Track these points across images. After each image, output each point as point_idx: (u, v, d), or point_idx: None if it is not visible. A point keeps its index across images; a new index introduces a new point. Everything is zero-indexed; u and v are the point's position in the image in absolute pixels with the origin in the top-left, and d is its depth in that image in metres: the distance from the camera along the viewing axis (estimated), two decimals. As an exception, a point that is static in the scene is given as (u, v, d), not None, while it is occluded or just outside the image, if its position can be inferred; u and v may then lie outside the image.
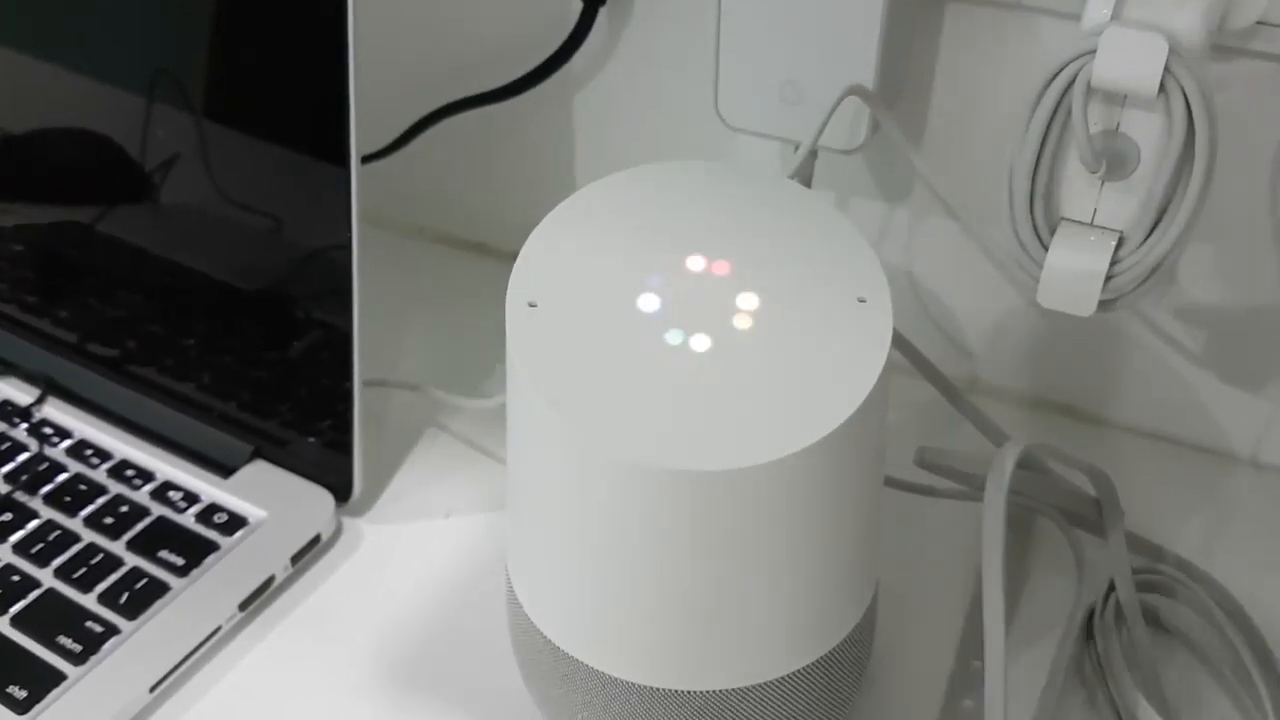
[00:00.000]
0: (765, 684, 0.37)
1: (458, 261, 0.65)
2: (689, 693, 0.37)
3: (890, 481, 0.47)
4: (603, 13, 0.55)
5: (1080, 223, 0.40)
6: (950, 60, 0.50)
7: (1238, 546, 0.50)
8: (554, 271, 0.37)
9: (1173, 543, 0.49)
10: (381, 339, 0.59)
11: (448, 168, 0.64)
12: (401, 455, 0.53)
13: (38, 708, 0.42)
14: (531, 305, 0.36)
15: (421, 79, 0.60)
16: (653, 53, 0.56)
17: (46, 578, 0.46)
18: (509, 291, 0.36)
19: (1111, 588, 0.45)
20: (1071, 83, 0.38)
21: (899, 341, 0.46)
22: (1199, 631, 0.45)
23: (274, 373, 0.52)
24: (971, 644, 0.46)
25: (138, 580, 0.46)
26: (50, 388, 0.54)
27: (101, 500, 0.49)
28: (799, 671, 0.38)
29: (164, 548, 0.47)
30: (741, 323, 0.36)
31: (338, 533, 0.50)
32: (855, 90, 0.43)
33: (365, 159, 0.59)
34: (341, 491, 0.50)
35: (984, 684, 0.39)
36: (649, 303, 0.36)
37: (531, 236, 0.38)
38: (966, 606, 0.47)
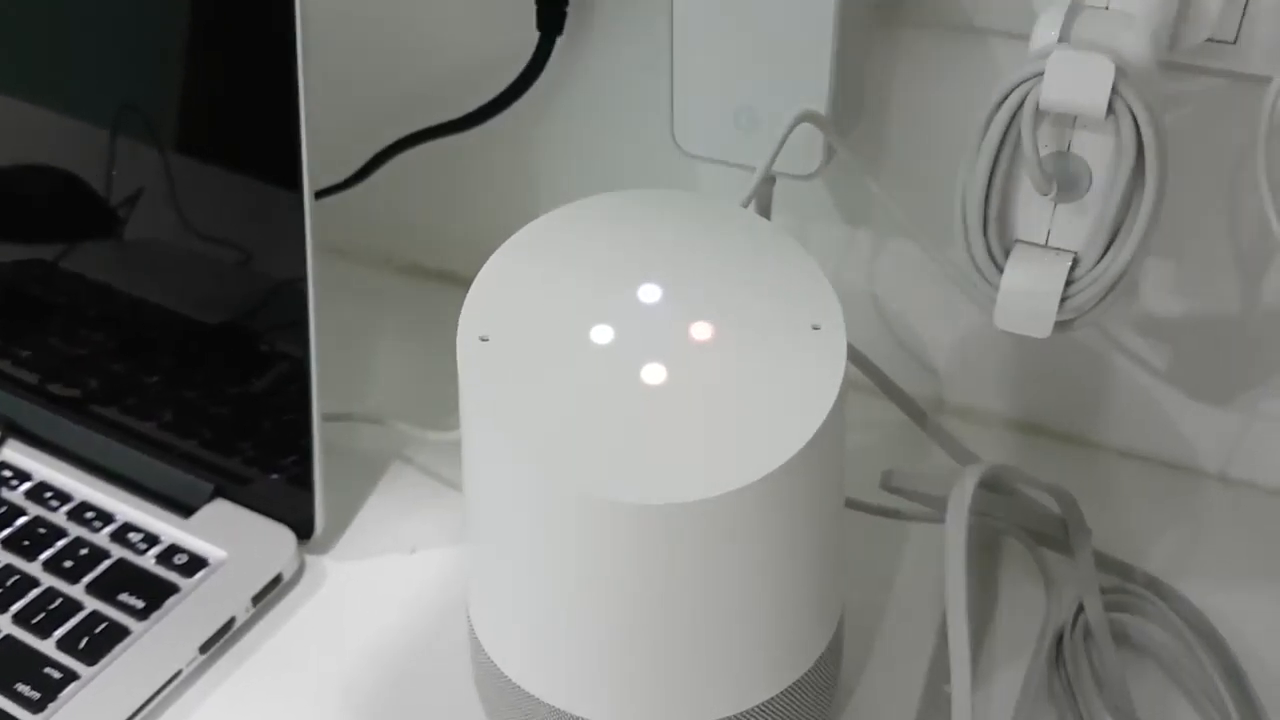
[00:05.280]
0: (730, 717, 0.37)
1: (423, 291, 0.65)
2: (651, 728, 0.36)
3: (856, 505, 0.47)
4: (560, 42, 0.55)
5: (1034, 244, 0.40)
6: (906, 83, 0.50)
7: (1207, 563, 0.49)
8: (506, 304, 0.37)
9: (1142, 561, 0.49)
10: (346, 372, 0.58)
11: (411, 198, 0.64)
12: (366, 490, 0.53)
13: (-5, 757, 0.42)
14: (483, 339, 0.36)
15: (383, 110, 0.60)
16: (610, 82, 0.56)
17: (5, 624, 0.46)
18: (460, 325, 0.36)
19: (1080, 607, 0.45)
20: (1021, 105, 0.38)
21: (864, 363, 0.46)
22: (1169, 650, 0.45)
23: (235, 409, 0.51)
24: (941, 668, 0.45)
25: (97, 624, 0.46)
26: (10, 429, 0.54)
27: (61, 543, 0.49)
28: (765, 703, 0.38)
29: (124, 590, 0.47)
30: (696, 353, 0.35)
31: (300, 571, 0.49)
32: (808, 116, 0.43)
33: (328, 190, 0.59)
34: (303, 529, 0.49)
35: (952, 709, 0.39)
36: (602, 334, 0.36)
37: (483, 270, 0.38)
38: (935, 630, 0.47)
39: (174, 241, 0.50)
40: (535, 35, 0.54)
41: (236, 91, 0.47)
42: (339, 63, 0.59)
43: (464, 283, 0.37)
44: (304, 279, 0.46)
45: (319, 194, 0.45)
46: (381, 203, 0.62)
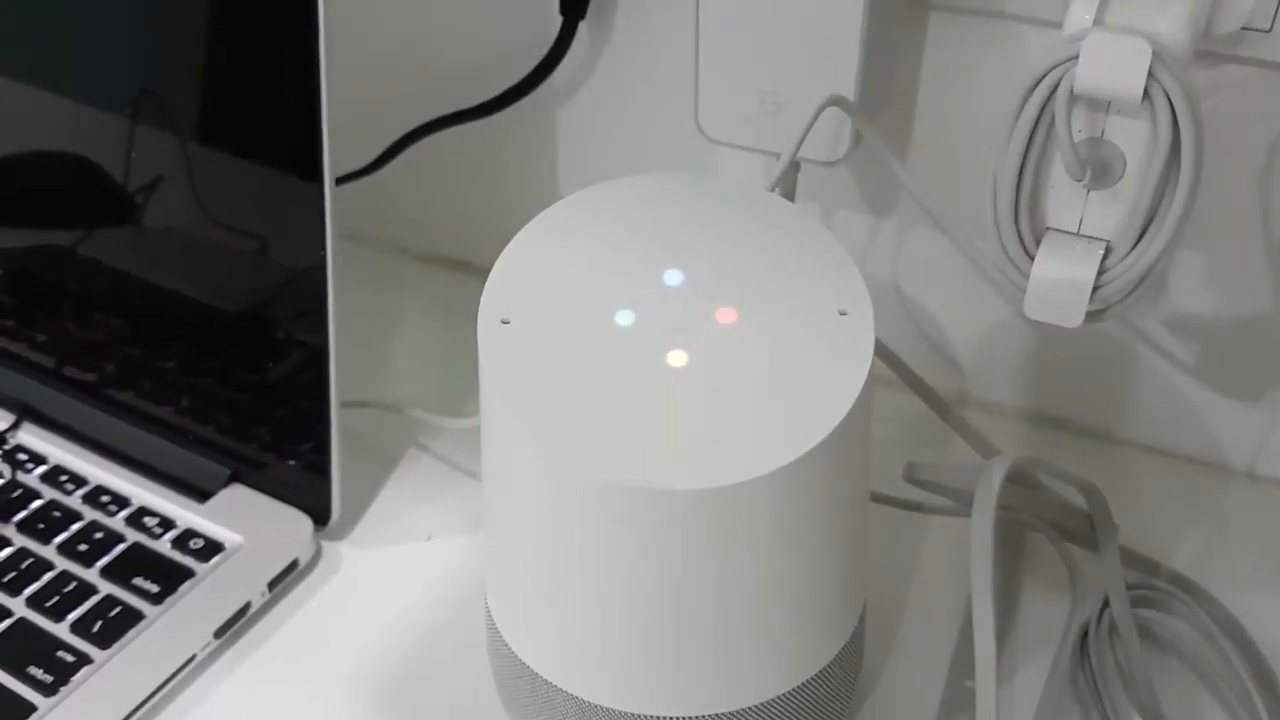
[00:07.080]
0: (750, 708, 0.37)
1: (441, 280, 0.65)
2: (671, 718, 0.36)
3: (879, 498, 0.47)
4: (583, 28, 0.54)
5: (1066, 232, 0.39)
6: (934, 69, 0.49)
7: (1234, 560, 0.49)
8: (527, 287, 0.36)
9: (1168, 557, 0.48)
10: (363, 359, 0.58)
11: (430, 185, 0.63)
12: (382, 477, 0.53)
13: (7, 741, 0.41)
14: (504, 322, 0.35)
15: (403, 96, 0.59)
16: (633, 66, 0.55)
17: (18, 607, 0.46)
18: (481, 308, 0.36)
19: (1106, 603, 0.45)
20: (1054, 90, 0.37)
21: (886, 355, 0.45)
22: (1195, 647, 0.44)
23: (252, 395, 0.51)
24: (963, 663, 0.45)
25: (111, 608, 0.45)
26: (25, 413, 0.54)
27: (76, 527, 0.49)
28: (785, 695, 0.37)
29: (138, 575, 0.46)
30: (720, 337, 0.35)
31: (316, 557, 0.49)
32: (835, 101, 0.43)
33: (347, 178, 0.59)
34: (320, 515, 0.49)
35: (975, 704, 0.38)
36: (625, 318, 0.35)
37: (505, 252, 0.37)
38: (958, 625, 0.46)
39: (194, 229, 0.50)
40: (558, 19, 0.53)
41: (257, 78, 0.46)
42: (358, 48, 0.58)
43: (483, 271, 0.37)
44: (324, 267, 0.45)
45: (337, 181, 0.45)
46: (401, 189, 0.61)
